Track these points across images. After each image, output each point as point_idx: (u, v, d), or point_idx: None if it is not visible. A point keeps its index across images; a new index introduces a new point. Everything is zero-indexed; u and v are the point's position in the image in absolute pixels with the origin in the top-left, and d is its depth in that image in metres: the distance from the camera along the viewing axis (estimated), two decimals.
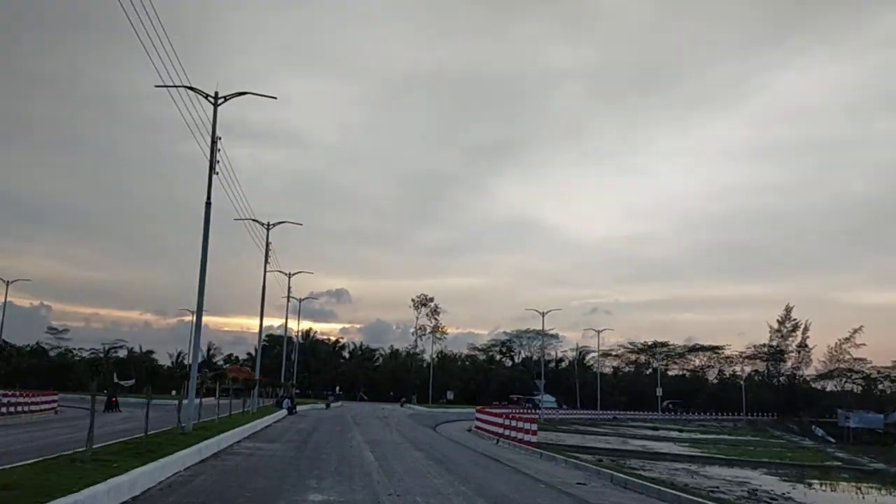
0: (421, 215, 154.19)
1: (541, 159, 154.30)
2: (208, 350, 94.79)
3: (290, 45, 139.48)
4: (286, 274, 51.42)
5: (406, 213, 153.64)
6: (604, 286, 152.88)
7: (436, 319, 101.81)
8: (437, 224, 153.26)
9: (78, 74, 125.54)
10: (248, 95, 20.60)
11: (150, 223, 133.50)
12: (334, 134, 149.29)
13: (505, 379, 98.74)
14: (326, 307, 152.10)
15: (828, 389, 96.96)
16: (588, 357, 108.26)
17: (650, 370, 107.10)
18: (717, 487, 17.66)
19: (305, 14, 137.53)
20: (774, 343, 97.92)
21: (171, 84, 18.96)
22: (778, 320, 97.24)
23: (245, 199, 31.43)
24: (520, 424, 25.73)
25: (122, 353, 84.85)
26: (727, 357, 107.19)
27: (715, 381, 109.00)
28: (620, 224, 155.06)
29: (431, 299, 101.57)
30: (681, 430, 55.12)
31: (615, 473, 16.43)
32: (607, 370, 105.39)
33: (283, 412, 41.55)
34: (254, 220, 34.68)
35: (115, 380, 50.67)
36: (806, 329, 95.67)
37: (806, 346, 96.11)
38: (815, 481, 22.00)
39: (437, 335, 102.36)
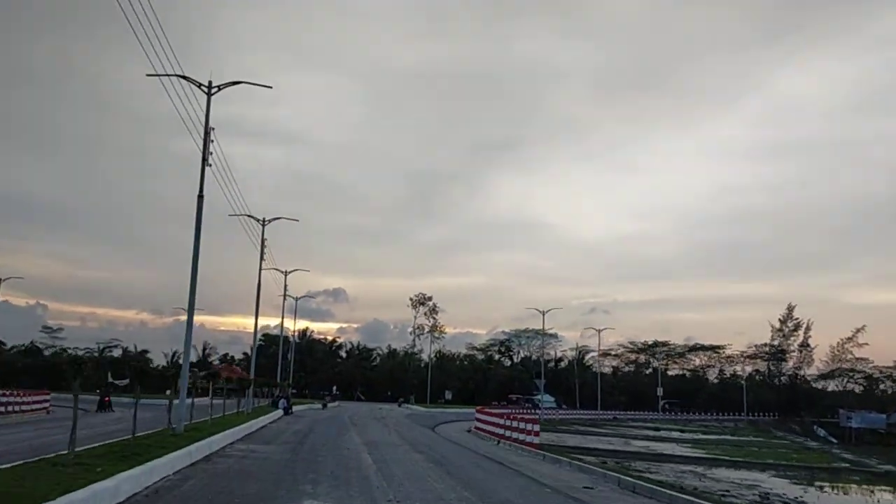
0: (419, 214, 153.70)
1: (540, 158, 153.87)
2: (204, 349, 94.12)
3: (288, 41, 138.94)
4: (282, 272, 50.83)
5: (404, 212, 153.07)
6: (602, 285, 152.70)
7: (434, 319, 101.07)
8: (435, 223, 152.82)
9: (71, 71, 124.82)
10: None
11: (146, 222, 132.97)
12: (332, 132, 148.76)
13: (504, 379, 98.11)
14: (323, 306, 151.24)
15: (829, 389, 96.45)
16: (587, 357, 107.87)
17: (650, 370, 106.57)
18: (728, 491, 17.07)
19: (304, 11, 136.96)
20: (776, 342, 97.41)
21: (164, 73, 18.35)
22: (780, 319, 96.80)
23: (241, 196, 30.81)
24: (521, 425, 25.13)
25: (117, 353, 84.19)
26: (728, 357, 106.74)
27: (715, 380, 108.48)
28: (619, 223, 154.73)
29: (430, 298, 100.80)
30: (682, 431, 54.57)
31: (622, 477, 15.84)
32: (606, 370, 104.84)
33: (279, 412, 40.92)
34: (249, 215, 34.04)
35: (110, 379, 50.13)
36: (808, 328, 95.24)
37: (808, 345, 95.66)
38: (826, 484, 21.43)
39: (436, 334, 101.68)
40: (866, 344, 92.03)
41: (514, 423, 25.78)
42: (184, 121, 19.60)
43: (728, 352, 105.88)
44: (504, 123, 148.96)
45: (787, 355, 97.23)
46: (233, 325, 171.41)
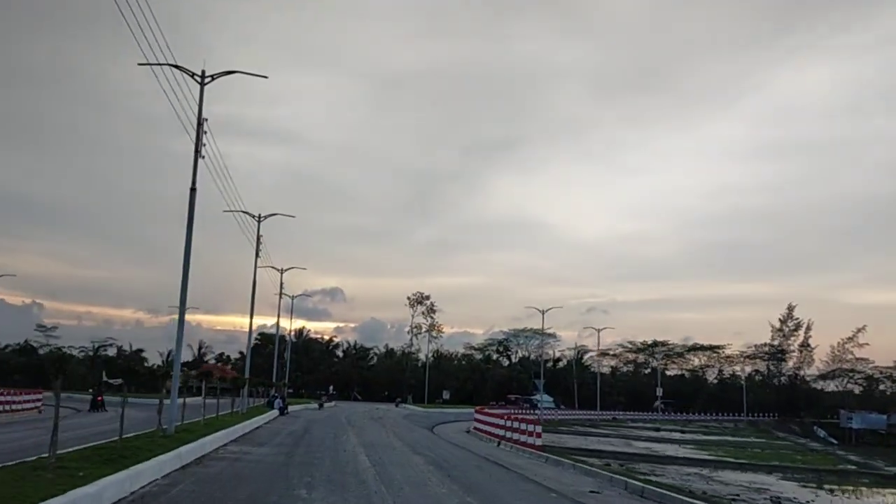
0: (417, 213, 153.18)
1: (538, 157, 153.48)
2: (199, 348, 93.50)
3: (288, 41, 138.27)
4: (278, 270, 50.17)
5: (402, 211, 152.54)
6: (601, 285, 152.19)
7: (432, 318, 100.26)
8: (433, 222, 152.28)
9: (70, 70, 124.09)
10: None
11: (144, 221, 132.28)
12: (330, 131, 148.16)
13: (502, 379, 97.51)
14: (320, 306, 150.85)
15: (828, 390, 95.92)
16: (586, 357, 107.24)
17: (649, 370, 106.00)
18: (738, 495, 16.54)
19: (302, 10, 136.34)
20: (776, 342, 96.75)
21: (156, 62, 17.75)
22: (780, 319, 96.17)
23: (239, 194, 30.43)
24: (523, 426, 24.55)
25: (113, 352, 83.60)
26: (727, 357, 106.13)
27: (715, 381, 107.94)
28: (618, 223, 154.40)
29: (427, 297, 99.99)
30: (682, 432, 54.09)
31: (629, 480, 15.26)
32: (605, 370, 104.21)
33: (275, 413, 40.30)
34: (244, 212, 33.45)
35: (104, 378, 49.44)
36: (808, 328, 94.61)
37: (808, 345, 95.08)
38: (836, 487, 20.90)
39: (433, 334, 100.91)
40: (867, 344, 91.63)
41: (516, 425, 25.18)
42: (177, 112, 18.99)
43: (727, 352, 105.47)
44: (503, 123, 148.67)
45: (788, 355, 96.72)
46: (229, 325, 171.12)
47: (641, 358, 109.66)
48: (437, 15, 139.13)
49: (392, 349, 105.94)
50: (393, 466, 16.27)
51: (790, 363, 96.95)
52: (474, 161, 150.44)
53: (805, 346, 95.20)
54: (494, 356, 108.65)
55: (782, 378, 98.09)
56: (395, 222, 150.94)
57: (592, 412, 77.60)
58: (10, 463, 11.02)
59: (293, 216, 39.02)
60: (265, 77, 19.55)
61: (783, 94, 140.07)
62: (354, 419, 41.11)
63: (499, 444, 26.03)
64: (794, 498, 17.20)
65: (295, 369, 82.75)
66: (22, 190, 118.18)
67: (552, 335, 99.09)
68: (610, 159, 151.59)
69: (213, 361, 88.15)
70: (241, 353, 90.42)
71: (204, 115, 18.68)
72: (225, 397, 36.13)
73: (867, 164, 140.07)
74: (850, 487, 21.31)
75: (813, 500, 17.15)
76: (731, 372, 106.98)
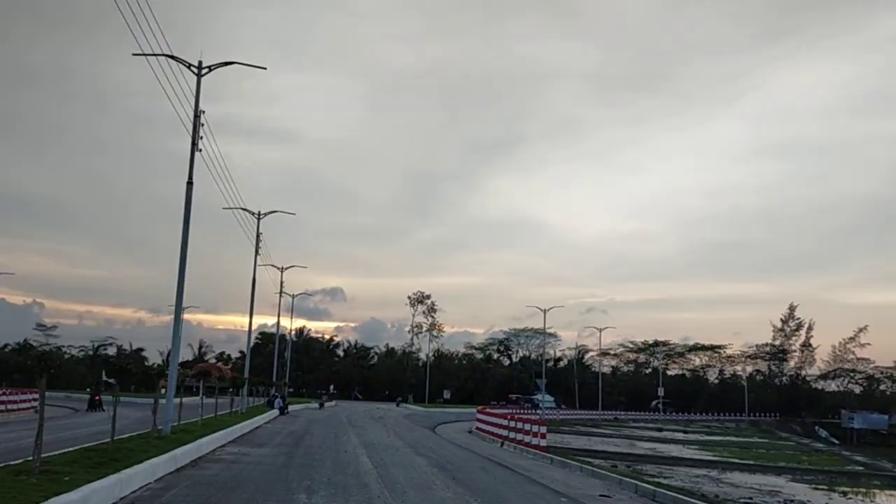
0: (417, 213, 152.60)
1: (538, 157, 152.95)
2: (200, 348, 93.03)
3: (287, 41, 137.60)
4: (278, 268, 49.68)
5: (402, 211, 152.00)
6: (600, 285, 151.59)
7: (432, 317, 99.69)
8: (433, 222, 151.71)
9: (69, 68, 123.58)
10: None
11: (144, 221, 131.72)
12: (330, 131, 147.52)
13: (503, 378, 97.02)
14: (321, 305, 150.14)
15: (829, 390, 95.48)
16: (586, 356, 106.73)
17: (649, 370, 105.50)
18: (751, 498, 16.11)
19: (303, 10, 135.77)
20: (777, 342, 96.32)
21: (151, 53, 17.29)
22: (781, 319, 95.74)
23: (238, 193, 30.04)
24: (526, 427, 24.08)
25: (112, 351, 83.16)
26: (728, 357, 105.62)
27: (716, 381, 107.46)
28: (617, 222, 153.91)
29: (428, 297, 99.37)
30: (685, 432, 53.66)
31: (639, 483, 14.79)
32: (605, 370, 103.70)
33: (275, 412, 39.83)
34: (243, 209, 32.97)
35: (104, 377, 48.97)
36: (810, 328, 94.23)
37: (810, 345, 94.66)
38: (848, 489, 20.42)
39: (434, 333, 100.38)
40: (869, 344, 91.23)
41: (519, 425, 24.71)
42: (174, 105, 18.55)
43: (728, 352, 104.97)
44: (502, 123, 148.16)
45: (789, 355, 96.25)
46: (230, 324, 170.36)
47: (642, 358, 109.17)
48: (436, 15, 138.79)
49: (393, 349, 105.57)
50: (395, 468, 15.79)
51: (791, 363, 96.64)
52: (474, 161, 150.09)
53: (806, 346, 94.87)
54: (495, 356, 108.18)
55: (784, 378, 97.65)
56: (394, 222, 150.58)
57: (594, 412, 77.13)
58: None
59: (293, 213, 38.62)
60: (264, 68, 19.10)
61: (783, 94, 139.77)
62: (355, 419, 40.66)
63: (502, 444, 25.58)
64: (808, 501, 16.75)
65: (295, 369, 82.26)
66: (22, 190, 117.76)
67: (553, 335, 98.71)
68: (609, 159, 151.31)
69: (213, 360, 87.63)
70: (241, 352, 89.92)
71: (203, 114, 18.21)
72: (224, 397, 35.62)
73: (867, 164, 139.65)
74: (863, 490, 20.82)
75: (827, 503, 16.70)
76: (732, 372, 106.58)
